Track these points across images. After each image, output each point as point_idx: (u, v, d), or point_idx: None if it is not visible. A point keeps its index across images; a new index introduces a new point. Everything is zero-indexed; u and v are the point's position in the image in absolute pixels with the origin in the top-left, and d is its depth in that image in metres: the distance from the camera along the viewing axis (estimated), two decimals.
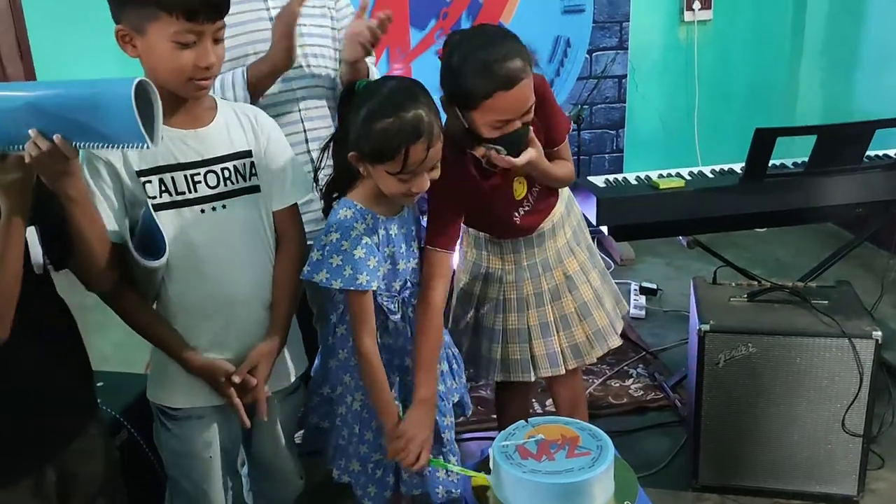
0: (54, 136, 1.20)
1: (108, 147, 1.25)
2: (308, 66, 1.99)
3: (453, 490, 1.78)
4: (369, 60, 2.00)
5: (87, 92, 1.22)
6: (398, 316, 1.72)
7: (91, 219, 1.38)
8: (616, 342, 2.05)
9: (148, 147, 1.22)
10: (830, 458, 2.23)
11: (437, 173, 1.62)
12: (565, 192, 2.03)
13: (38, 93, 1.25)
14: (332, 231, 1.60)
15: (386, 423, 1.68)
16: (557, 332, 1.99)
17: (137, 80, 1.20)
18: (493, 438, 1.54)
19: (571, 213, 2.05)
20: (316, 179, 1.77)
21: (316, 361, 1.85)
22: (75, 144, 1.23)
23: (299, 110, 1.99)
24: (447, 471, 1.77)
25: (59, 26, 3.96)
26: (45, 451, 1.43)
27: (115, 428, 1.94)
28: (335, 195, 1.71)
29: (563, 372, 2.00)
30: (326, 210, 1.72)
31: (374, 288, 1.63)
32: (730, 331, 2.20)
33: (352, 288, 1.60)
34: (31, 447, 1.41)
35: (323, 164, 1.74)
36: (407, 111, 1.51)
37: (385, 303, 1.69)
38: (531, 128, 1.73)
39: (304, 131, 2.00)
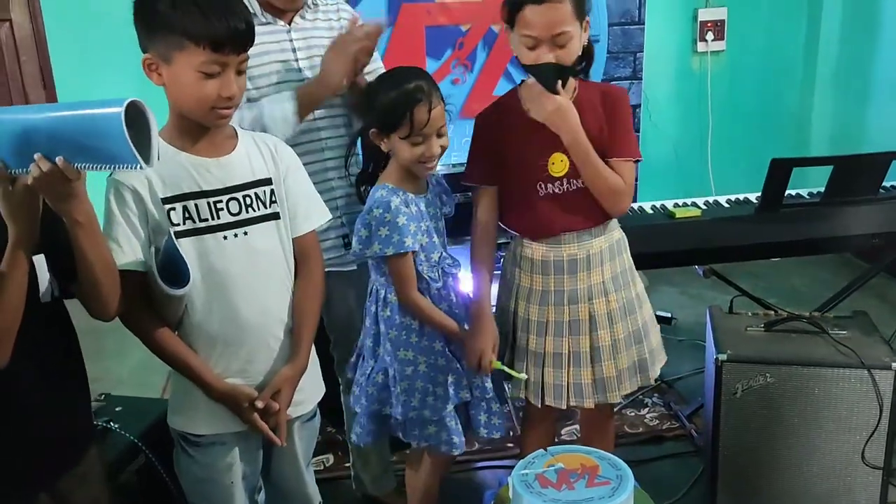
0: (56, 158, 1.21)
1: (106, 168, 1.25)
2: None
3: (494, 433, 2.02)
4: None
5: (81, 113, 1.23)
6: (440, 284, 1.91)
7: (96, 243, 1.38)
8: (614, 398, 1.99)
9: (142, 168, 1.22)
10: (849, 490, 2.19)
11: (445, 141, 1.85)
12: (614, 235, 2.00)
13: (40, 115, 1.26)
14: (374, 209, 1.81)
15: (455, 337, 1.91)
16: (568, 367, 1.95)
17: (129, 100, 1.20)
18: (509, 467, 1.53)
19: (617, 258, 1.99)
20: (348, 172, 2.03)
21: (357, 368, 2.00)
22: (77, 166, 1.23)
23: (315, 118, 2.02)
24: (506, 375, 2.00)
25: (81, 54, 4.01)
26: (39, 478, 1.42)
27: (132, 452, 1.94)
28: (364, 186, 1.97)
29: (564, 407, 1.98)
30: (361, 198, 1.97)
31: (418, 249, 1.84)
32: (747, 360, 2.18)
33: (402, 251, 1.80)
34: (25, 474, 1.40)
35: (352, 153, 2.03)
36: (409, 83, 1.81)
37: (427, 272, 1.88)
38: (576, 82, 1.85)
39: (325, 160, 2.03)
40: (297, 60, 1.99)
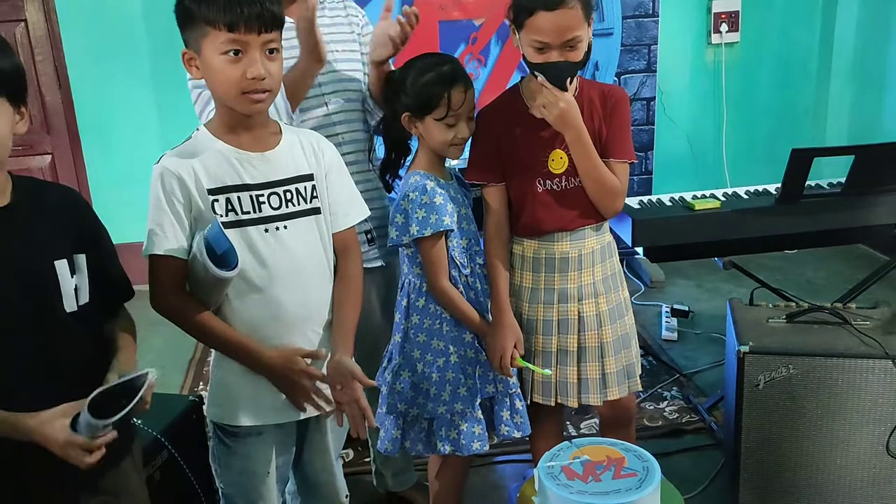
0: None
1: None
2: (337, 70, 2.05)
3: (516, 433, 2.02)
4: None
5: None
6: (468, 271, 1.94)
7: None
8: (596, 401, 1.99)
9: None
10: (875, 482, 2.17)
11: (473, 125, 1.90)
12: (606, 237, 2.00)
13: None
14: (410, 192, 1.86)
15: (479, 332, 1.93)
16: (556, 365, 1.97)
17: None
18: (527, 461, 1.54)
19: (608, 260, 1.99)
20: (370, 160, 2.07)
21: (387, 371, 1.99)
22: None
23: (330, 113, 2.03)
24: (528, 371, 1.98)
25: (96, 54, 4.03)
26: (85, 477, 1.41)
27: (155, 448, 1.94)
28: (388, 175, 2.04)
29: (553, 404, 1.98)
30: (388, 186, 2.04)
31: (455, 228, 1.89)
32: (770, 352, 2.17)
33: (441, 229, 1.85)
34: (71, 473, 1.39)
35: (374, 147, 2.08)
36: (443, 65, 1.86)
37: (458, 256, 1.92)
38: (577, 80, 1.84)
39: (343, 155, 2.03)
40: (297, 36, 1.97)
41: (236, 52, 1.50)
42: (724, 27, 4.32)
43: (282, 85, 1.86)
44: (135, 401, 1.30)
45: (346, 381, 1.57)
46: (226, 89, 1.52)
